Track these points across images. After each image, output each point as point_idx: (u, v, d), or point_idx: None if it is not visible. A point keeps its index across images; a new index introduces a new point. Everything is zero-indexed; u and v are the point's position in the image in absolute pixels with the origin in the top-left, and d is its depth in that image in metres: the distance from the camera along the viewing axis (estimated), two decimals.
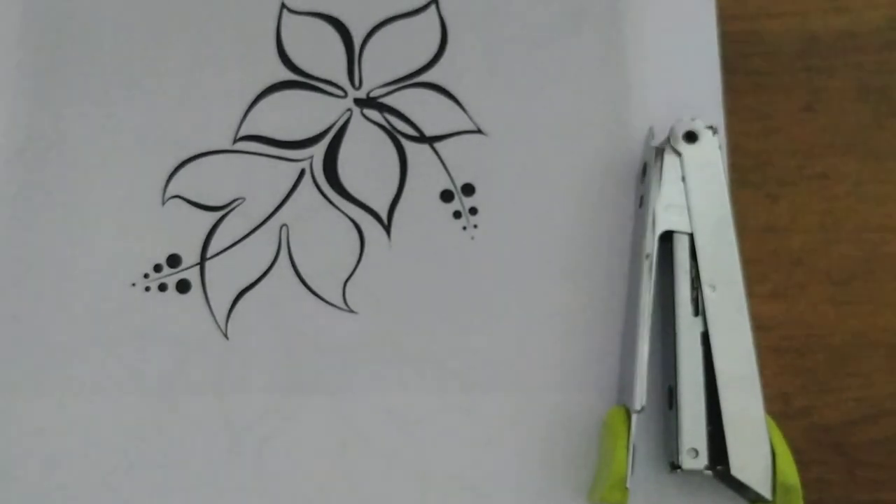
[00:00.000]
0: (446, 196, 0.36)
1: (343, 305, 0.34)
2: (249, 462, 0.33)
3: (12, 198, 0.35)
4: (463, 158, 0.36)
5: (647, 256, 0.32)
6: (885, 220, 0.36)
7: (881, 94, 0.37)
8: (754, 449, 0.30)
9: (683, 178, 0.33)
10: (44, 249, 0.34)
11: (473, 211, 0.35)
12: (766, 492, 0.30)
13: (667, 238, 0.32)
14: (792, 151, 0.36)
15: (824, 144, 0.36)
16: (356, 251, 0.35)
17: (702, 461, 0.30)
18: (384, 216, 0.35)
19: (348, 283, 0.35)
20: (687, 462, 0.30)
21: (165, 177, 0.35)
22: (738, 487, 0.31)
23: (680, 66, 0.36)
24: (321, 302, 0.34)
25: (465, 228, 0.35)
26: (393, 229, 0.35)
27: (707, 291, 0.31)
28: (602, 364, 0.34)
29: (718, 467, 0.30)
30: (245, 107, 0.36)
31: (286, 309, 0.34)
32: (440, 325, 0.34)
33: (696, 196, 0.32)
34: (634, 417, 0.30)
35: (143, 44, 0.36)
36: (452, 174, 0.36)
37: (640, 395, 0.30)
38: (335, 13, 0.37)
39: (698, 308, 0.31)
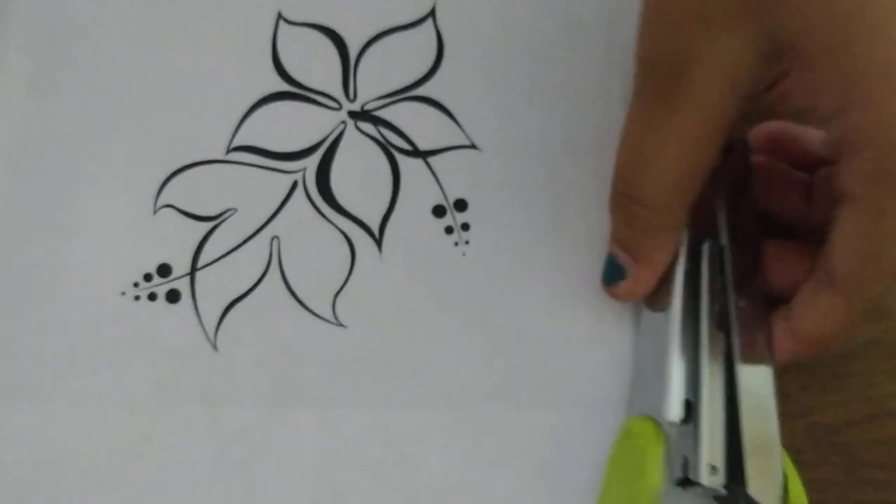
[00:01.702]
0: (438, 211, 0.35)
1: (333, 319, 0.34)
2: (236, 473, 0.32)
3: (2, 204, 0.35)
4: (456, 173, 0.36)
5: (680, 265, 0.31)
6: None
7: None
8: (769, 472, 0.29)
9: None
10: (33, 256, 0.34)
11: (465, 227, 0.35)
12: None
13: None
14: None
15: None
16: (347, 265, 0.35)
17: (720, 479, 0.29)
18: (376, 230, 0.35)
19: (338, 297, 0.34)
20: (706, 479, 0.29)
21: (157, 186, 0.35)
22: None
23: None
24: (311, 315, 0.34)
25: (456, 244, 0.35)
26: (384, 244, 0.35)
27: (733, 306, 0.31)
28: (596, 381, 0.33)
29: (732, 487, 0.29)
30: (239, 117, 0.36)
31: (276, 321, 0.34)
32: (430, 341, 0.34)
33: (726, 207, 0.32)
34: (671, 429, 0.30)
35: (138, 52, 0.36)
36: (445, 189, 0.36)
37: (676, 405, 0.30)
38: (331, 25, 0.37)
39: (724, 322, 0.31)
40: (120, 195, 0.35)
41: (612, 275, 0.33)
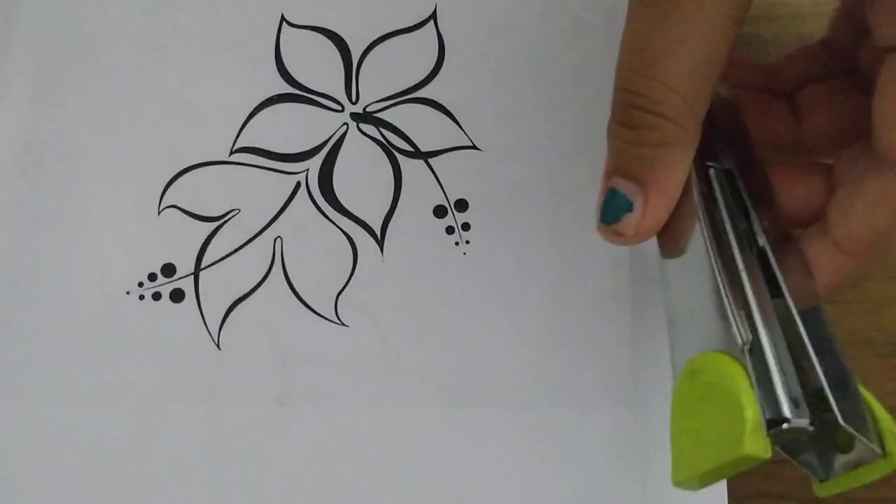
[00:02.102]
0: (439, 211, 0.36)
1: (335, 318, 0.34)
2: (238, 472, 0.33)
3: (9, 204, 0.35)
4: (457, 174, 0.36)
5: (694, 186, 0.28)
6: None
7: None
8: (854, 400, 0.25)
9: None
10: (39, 256, 0.35)
11: (466, 227, 0.35)
12: (876, 444, 0.24)
13: None
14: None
15: None
16: (349, 264, 0.35)
17: (804, 413, 0.24)
18: (377, 230, 0.35)
19: (340, 296, 0.35)
20: (792, 412, 0.24)
21: (162, 186, 0.36)
22: (820, 456, 0.26)
23: None
24: (313, 314, 0.34)
25: (457, 244, 0.35)
26: (386, 243, 0.35)
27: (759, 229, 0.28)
28: (596, 380, 0.33)
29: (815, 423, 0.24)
30: (243, 118, 0.36)
31: (278, 320, 0.34)
32: (431, 340, 0.34)
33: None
34: (750, 355, 0.25)
35: (143, 53, 0.37)
36: (446, 190, 0.36)
37: (746, 329, 0.25)
38: (334, 28, 0.37)
39: (752, 247, 0.28)
40: (124, 196, 0.35)
41: (614, 210, 0.27)
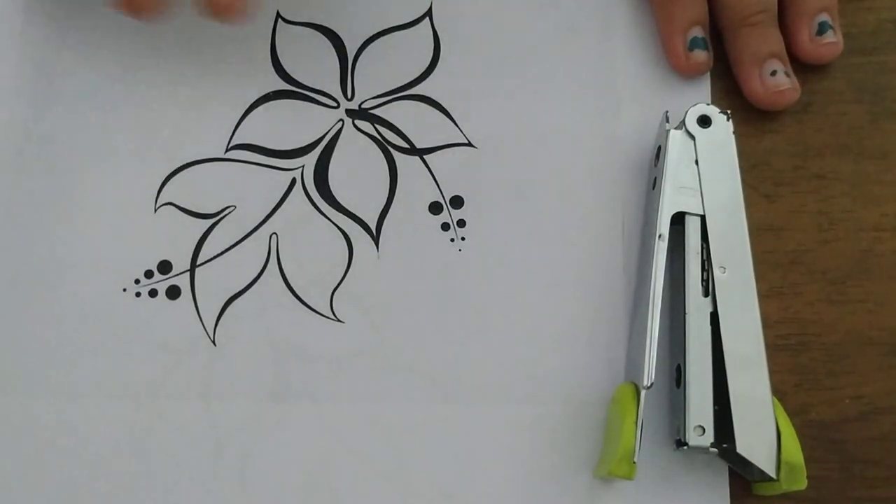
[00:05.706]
0: (435, 208, 0.35)
1: (330, 315, 0.34)
2: (233, 468, 0.32)
3: (6, 201, 0.36)
4: (452, 171, 0.36)
5: (660, 237, 0.32)
6: (881, 219, 0.35)
7: (876, 96, 0.37)
8: (760, 428, 0.30)
9: (696, 162, 0.33)
10: (36, 253, 0.35)
11: (461, 223, 0.35)
12: (770, 470, 0.30)
13: (678, 220, 0.32)
14: (789, 152, 0.36)
15: (820, 145, 0.36)
16: (344, 261, 0.35)
17: (708, 439, 0.30)
18: (373, 227, 0.35)
19: (336, 293, 0.34)
20: (693, 439, 0.30)
21: (158, 184, 0.36)
22: (743, 466, 0.31)
23: (671, 80, 0.37)
24: (309, 311, 0.34)
25: (452, 241, 0.35)
26: (381, 240, 0.35)
27: (717, 273, 0.32)
28: (590, 376, 0.33)
29: (724, 445, 0.31)
30: (238, 115, 0.37)
31: (274, 317, 0.34)
32: (427, 336, 0.34)
33: (709, 178, 0.33)
34: (643, 393, 0.31)
35: (139, 51, 0.38)
36: (441, 186, 0.36)
37: (650, 372, 0.30)
38: (330, 24, 0.38)
39: (708, 289, 0.32)
40: (121, 193, 0.36)
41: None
